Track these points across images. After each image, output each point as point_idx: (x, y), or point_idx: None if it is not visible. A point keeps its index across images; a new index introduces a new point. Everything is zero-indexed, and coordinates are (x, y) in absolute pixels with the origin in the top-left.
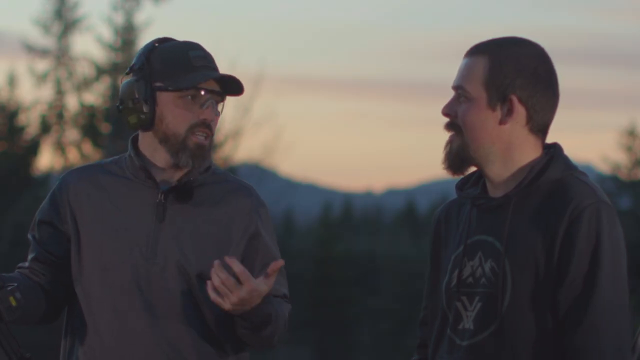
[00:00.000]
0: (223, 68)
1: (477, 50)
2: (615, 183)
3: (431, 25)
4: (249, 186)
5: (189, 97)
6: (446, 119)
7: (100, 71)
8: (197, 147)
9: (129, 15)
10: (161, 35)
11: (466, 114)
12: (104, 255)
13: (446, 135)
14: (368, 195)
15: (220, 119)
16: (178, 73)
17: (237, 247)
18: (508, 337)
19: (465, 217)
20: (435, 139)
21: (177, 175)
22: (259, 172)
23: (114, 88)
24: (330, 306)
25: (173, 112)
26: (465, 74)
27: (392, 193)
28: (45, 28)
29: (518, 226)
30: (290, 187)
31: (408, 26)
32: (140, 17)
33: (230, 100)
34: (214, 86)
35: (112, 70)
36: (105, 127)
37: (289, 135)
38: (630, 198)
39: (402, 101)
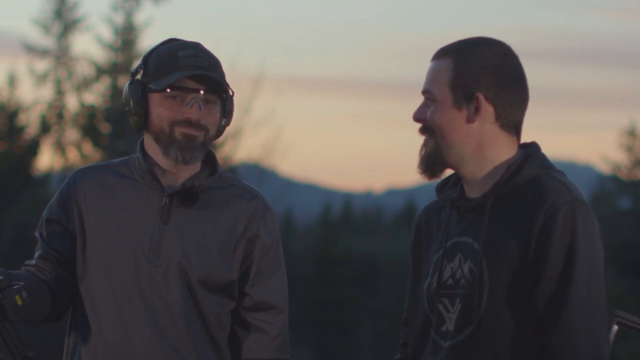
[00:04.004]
0: (223, 68)
1: (442, 53)
2: (615, 183)
3: (432, 24)
4: (255, 191)
5: (173, 97)
6: (419, 125)
7: (100, 71)
8: (185, 137)
9: (128, 15)
10: (160, 35)
11: (433, 115)
12: (107, 256)
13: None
14: (368, 195)
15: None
16: (164, 73)
17: (237, 251)
18: (486, 337)
19: (445, 219)
20: None
21: (183, 178)
22: (259, 172)
23: (114, 88)
24: (330, 306)
25: (158, 111)
26: (431, 78)
27: (392, 193)
28: (45, 28)
29: (496, 226)
30: (290, 187)
31: (409, 25)
32: (140, 17)
33: None
34: (198, 85)
35: (112, 70)
36: (105, 127)
37: (289, 135)
38: (630, 198)
39: (402, 101)
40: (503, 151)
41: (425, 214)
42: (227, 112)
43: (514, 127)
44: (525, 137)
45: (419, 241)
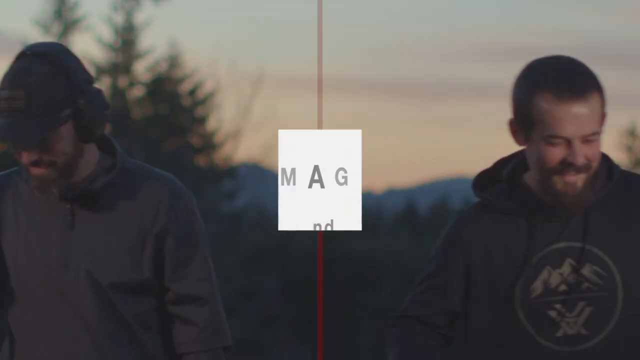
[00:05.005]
0: (223, 68)
1: (586, 91)
2: None
3: (432, 24)
4: (163, 179)
5: None
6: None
7: (100, 71)
8: (33, 178)
9: (128, 15)
10: (160, 35)
11: (597, 151)
12: (20, 268)
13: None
14: (368, 195)
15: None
16: None
17: (147, 248)
18: (629, 333)
19: (521, 227)
20: (435, 139)
21: (77, 178)
22: (259, 172)
23: (114, 88)
24: (330, 306)
25: None
26: (591, 118)
27: (392, 193)
28: (45, 28)
29: (606, 228)
30: None
31: (408, 25)
32: (140, 17)
33: (230, 101)
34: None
35: (112, 70)
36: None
37: None
38: None
39: (402, 101)
40: None
41: (473, 227)
42: (86, 125)
43: None
44: None
45: (477, 256)
